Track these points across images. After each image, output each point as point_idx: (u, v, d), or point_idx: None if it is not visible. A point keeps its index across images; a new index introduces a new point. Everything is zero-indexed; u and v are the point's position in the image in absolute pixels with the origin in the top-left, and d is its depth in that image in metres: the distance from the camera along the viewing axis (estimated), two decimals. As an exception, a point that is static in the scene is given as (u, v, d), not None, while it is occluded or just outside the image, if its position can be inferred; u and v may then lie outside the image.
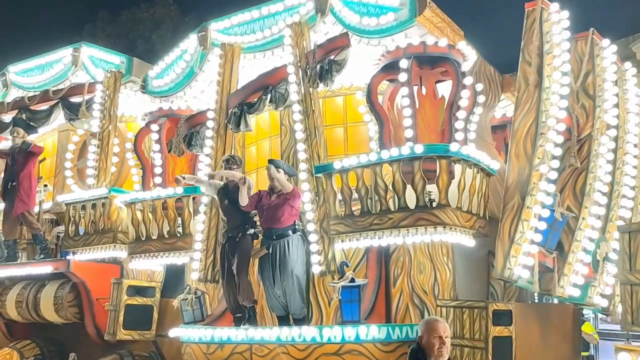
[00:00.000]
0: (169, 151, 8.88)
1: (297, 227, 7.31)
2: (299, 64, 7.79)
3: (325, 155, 7.60)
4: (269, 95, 8.02)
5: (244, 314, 7.64)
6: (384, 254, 7.51)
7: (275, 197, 7.27)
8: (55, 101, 10.71)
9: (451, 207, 6.60)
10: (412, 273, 7.58)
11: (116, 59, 10.57)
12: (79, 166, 10.92)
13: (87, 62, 10.94)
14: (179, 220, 8.49)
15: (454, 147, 6.54)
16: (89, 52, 10.95)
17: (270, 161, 7.33)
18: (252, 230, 7.58)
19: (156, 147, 9.14)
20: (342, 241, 7.16)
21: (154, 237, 8.67)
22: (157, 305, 9.04)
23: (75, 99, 10.52)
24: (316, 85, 7.62)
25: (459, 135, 7.02)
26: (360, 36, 7.67)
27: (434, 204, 6.64)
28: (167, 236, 8.56)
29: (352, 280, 7.03)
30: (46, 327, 9.89)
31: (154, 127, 9.21)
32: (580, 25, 7.38)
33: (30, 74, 11.50)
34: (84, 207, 9.36)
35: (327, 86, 7.64)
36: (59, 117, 10.92)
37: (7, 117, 11.31)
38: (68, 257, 9.31)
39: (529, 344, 6.77)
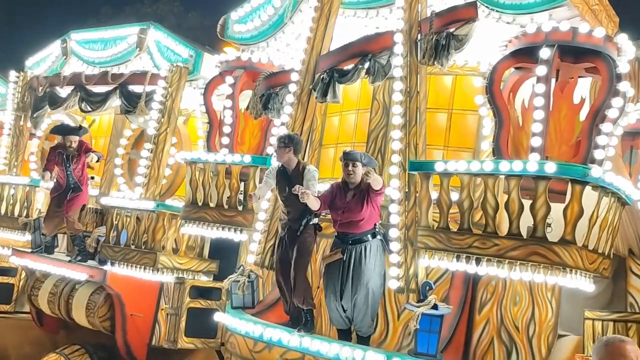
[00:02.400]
0: (245, 109, 7.75)
1: (377, 230, 6.10)
2: (409, 33, 6.40)
3: (424, 149, 6.30)
4: (366, 65, 6.70)
5: (301, 318, 6.60)
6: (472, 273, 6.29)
7: (352, 194, 6.05)
8: (113, 87, 9.73)
9: (576, 245, 5.24)
10: (504, 302, 6.38)
11: (184, 52, 9.43)
12: (132, 156, 10.01)
13: (153, 48, 9.92)
14: (242, 191, 7.45)
15: (596, 171, 5.11)
16: (156, 36, 9.88)
17: (347, 155, 6.05)
18: (315, 220, 6.44)
19: (228, 102, 8.00)
20: (430, 258, 5.94)
21: (211, 205, 7.66)
22: (224, 309, 8.11)
23: (134, 88, 9.50)
24: (427, 61, 6.24)
25: (599, 154, 5.57)
26: (492, 9, 6.21)
27: (549, 233, 5.31)
28: (226, 207, 7.54)
29: (435, 307, 5.83)
30: (90, 330, 9.12)
31: (229, 79, 8.04)
32: None
33: (93, 47, 10.55)
34: (128, 214, 8.52)
35: (441, 65, 6.24)
36: (115, 103, 9.96)
37: (63, 91, 10.47)
38: (105, 267, 8.50)
39: None
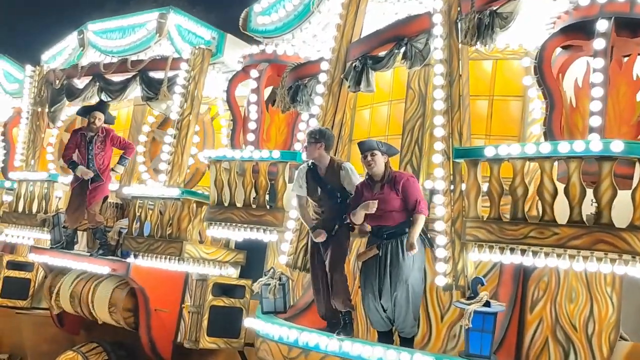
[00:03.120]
0: (271, 104, 7.36)
1: None
2: (448, 13, 6.00)
3: (469, 135, 5.87)
4: (402, 50, 6.30)
5: (338, 321, 6.15)
6: (523, 268, 5.83)
7: (380, 186, 5.63)
8: (132, 74, 9.36)
9: (646, 231, 4.79)
10: (559, 299, 5.91)
11: (207, 34, 9.03)
12: (156, 137, 9.64)
13: (174, 32, 9.56)
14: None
15: (666, 150, 4.67)
16: (177, 20, 9.52)
17: (363, 145, 5.65)
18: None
19: (253, 97, 7.64)
20: (480, 251, 5.49)
21: (238, 205, 7.26)
22: (247, 307, 7.69)
23: (155, 74, 9.13)
24: (470, 42, 5.83)
25: (663, 133, 5.13)
26: (538, -17, 5.81)
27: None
28: (254, 206, 7.14)
29: (487, 304, 5.38)
30: (104, 325, 8.74)
31: (253, 73, 7.67)
32: None
33: (110, 36, 10.22)
34: (151, 206, 8.12)
35: (485, 45, 5.83)
36: (135, 92, 9.61)
37: (80, 82, 10.10)
38: (128, 260, 8.08)
39: None
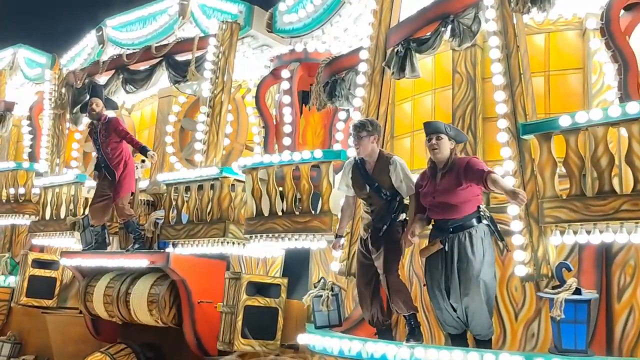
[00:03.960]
0: (305, 104, 6.89)
1: (482, 213, 5.11)
2: (499, -18, 5.54)
3: (534, 109, 5.36)
4: (449, 27, 5.84)
5: (388, 328, 5.70)
6: (605, 252, 5.26)
7: (442, 174, 5.11)
8: (157, 59, 8.92)
9: None
10: (650, 284, 5.30)
11: (233, 8, 8.57)
12: (185, 125, 9.16)
13: (198, 13, 9.08)
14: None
15: None
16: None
17: (429, 126, 5.17)
18: (403, 216, 5.48)
19: (286, 98, 7.18)
20: (562, 233, 4.93)
21: (280, 214, 6.75)
22: (283, 307, 7.12)
23: (181, 57, 8.70)
24: (522, 8, 5.36)
25: None
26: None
27: None
28: (297, 213, 6.62)
29: (578, 291, 4.80)
30: (142, 329, 8.23)
31: (285, 73, 7.22)
32: None
33: (130, 29, 9.79)
34: (188, 190, 7.57)
35: (543, 11, 5.35)
36: (161, 80, 9.15)
37: (103, 79, 9.68)
38: (167, 250, 7.57)
39: None
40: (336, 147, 7.13)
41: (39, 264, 9.35)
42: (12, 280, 9.66)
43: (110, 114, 8.42)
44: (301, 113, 7.38)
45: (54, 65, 11.10)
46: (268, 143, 7.49)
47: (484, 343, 5.27)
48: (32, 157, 10.49)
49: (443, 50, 6.60)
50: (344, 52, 7.14)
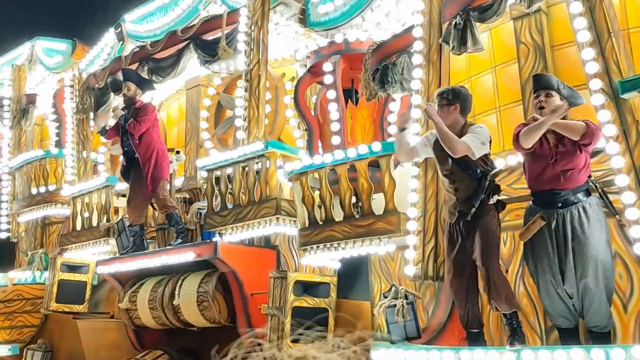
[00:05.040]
0: (349, 98, 6.25)
1: (593, 185, 4.46)
2: None
3: (630, 64, 4.69)
4: (515, -13, 5.23)
5: (480, 330, 5.01)
6: None
7: (556, 137, 4.46)
8: (184, 43, 8.31)
9: None
10: None
11: None
12: (223, 101, 8.51)
13: None
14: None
15: None
16: None
17: (538, 80, 4.57)
18: (495, 198, 4.85)
19: (331, 93, 6.53)
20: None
21: (337, 220, 6.07)
22: (333, 308, 6.43)
23: (210, 37, 8.09)
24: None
25: None
26: None
27: None
28: (357, 216, 5.94)
29: None
30: (179, 333, 7.60)
31: (327, 66, 6.59)
32: None
33: (151, 19, 9.22)
34: (231, 175, 6.94)
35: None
36: (189, 65, 8.51)
37: None
38: (214, 239, 6.91)
39: None
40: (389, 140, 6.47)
41: (68, 267, 8.75)
42: (47, 276, 8.98)
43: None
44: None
45: (74, 51, 10.55)
46: (313, 146, 6.84)
47: (601, 337, 4.54)
48: (59, 146, 9.88)
49: (500, 23, 5.99)
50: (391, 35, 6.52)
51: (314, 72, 6.95)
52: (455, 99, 4.83)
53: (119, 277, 7.98)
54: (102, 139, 8.90)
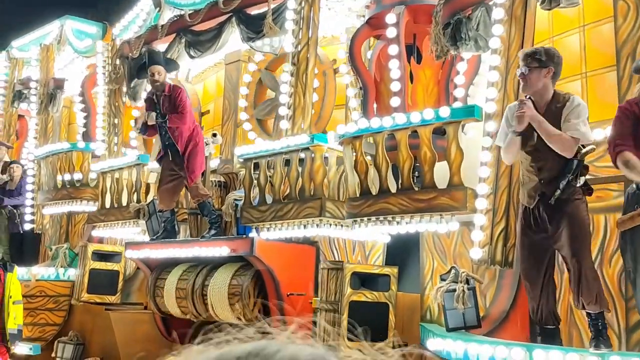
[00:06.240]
0: (410, 55, 5.56)
1: None
2: None
3: None
4: None
5: (555, 328, 4.48)
6: None
7: None
8: (226, 16, 7.69)
9: None
10: None
11: None
12: (264, 78, 7.91)
13: None
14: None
15: None
16: None
17: None
18: (582, 180, 4.22)
19: (393, 49, 5.81)
20: None
21: (393, 191, 5.46)
22: (394, 302, 5.86)
23: (254, 11, 7.45)
24: None
25: None
26: None
27: None
28: (417, 189, 5.32)
29: None
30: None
31: (390, 18, 5.86)
32: None
33: None
34: (271, 165, 6.36)
35: None
36: (230, 40, 7.90)
37: (161, 46, 8.47)
38: (251, 235, 6.41)
39: None
40: (456, 105, 5.79)
41: (100, 256, 8.32)
42: (71, 273, 8.63)
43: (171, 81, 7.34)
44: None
45: (105, 35, 10.05)
46: (367, 107, 6.18)
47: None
48: (87, 138, 9.48)
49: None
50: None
51: (374, 24, 6.23)
52: (549, 61, 4.17)
53: (147, 262, 7.57)
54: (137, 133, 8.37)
